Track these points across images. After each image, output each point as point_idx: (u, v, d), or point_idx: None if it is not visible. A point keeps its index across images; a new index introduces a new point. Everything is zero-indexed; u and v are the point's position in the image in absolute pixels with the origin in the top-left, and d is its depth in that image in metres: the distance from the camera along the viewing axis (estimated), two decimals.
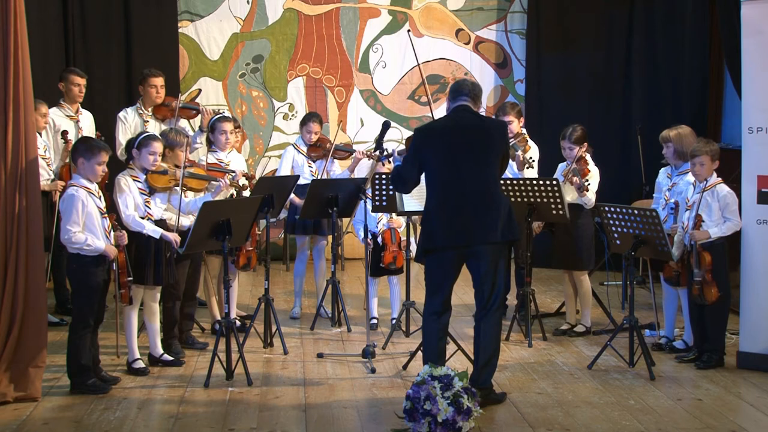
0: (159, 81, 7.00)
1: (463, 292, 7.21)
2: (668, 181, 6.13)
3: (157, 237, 5.46)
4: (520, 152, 6.70)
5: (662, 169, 6.27)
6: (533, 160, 6.71)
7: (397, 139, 9.31)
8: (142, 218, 5.46)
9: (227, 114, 6.98)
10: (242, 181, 6.32)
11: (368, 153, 7.03)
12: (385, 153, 6.04)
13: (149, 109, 7.01)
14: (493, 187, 4.97)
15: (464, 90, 5.06)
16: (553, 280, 8.31)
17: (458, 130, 4.98)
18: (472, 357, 5.17)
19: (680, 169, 6.05)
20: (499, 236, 4.91)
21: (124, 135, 6.86)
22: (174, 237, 5.50)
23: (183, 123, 7.07)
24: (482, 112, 9.35)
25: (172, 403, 5.03)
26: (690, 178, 5.92)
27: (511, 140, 6.80)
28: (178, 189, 5.67)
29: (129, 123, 6.96)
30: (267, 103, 9.44)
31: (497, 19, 9.57)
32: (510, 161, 6.78)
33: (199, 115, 6.94)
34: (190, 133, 6.94)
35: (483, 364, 4.96)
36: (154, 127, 6.85)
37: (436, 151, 4.96)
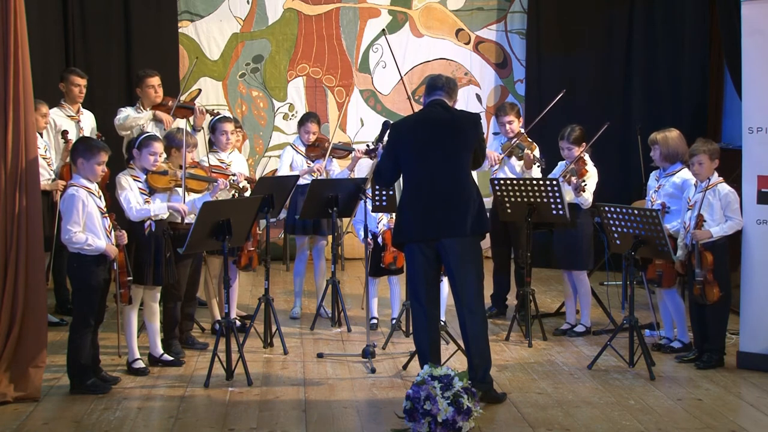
0: (155, 80, 7.00)
1: None
2: (656, 183, 6.13)
3: (165, 212, 5.48)
4: (527, 151, 6.70)
5: (652, 172, 6.27)
6: (543, 159, 6.72)
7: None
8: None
9: (227, 114, 6.97)
10: (245, 184, 6.32)
11: (367, 150, 7.02)
12: (371, 146, 6.03)
13: (148, 109, 7.01)
14: (464, 181, 5.00)
15: (438, 84, 5.11)
16: (553, 280, 8.31)
17: (429, 124, 5.04)
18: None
19: (667, 171, 6.06)
20: (468, 230, 4.93)
21: (125, 112, 6.87)
22: (182, 207, 5.52)
23: (180, 123, 7.05)
24: (482, 111, 9.45)
25: (172, 403, 5.03)
26: (677, 179, 5.95)
27: (514, 140, 6.83)
28: (178, 190, 5.67)
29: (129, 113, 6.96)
30: (267, 103, 9.44)
31: (497, 19, 9.58)
32: (515, 161, 6.82)
33: (193, 116, 6.94)
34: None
35: (477, 361, 4.97)
36: (152, 128, 6.84)
37: (408, 146, 5.04)
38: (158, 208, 5.46)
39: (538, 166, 6.72)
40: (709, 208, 5.65)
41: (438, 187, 4.95)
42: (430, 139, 4.99)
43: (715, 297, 5.55)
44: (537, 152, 6.81)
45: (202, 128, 6.82)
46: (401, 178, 5.21)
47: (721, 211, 5.63)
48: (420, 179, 5.00)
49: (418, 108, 5.52)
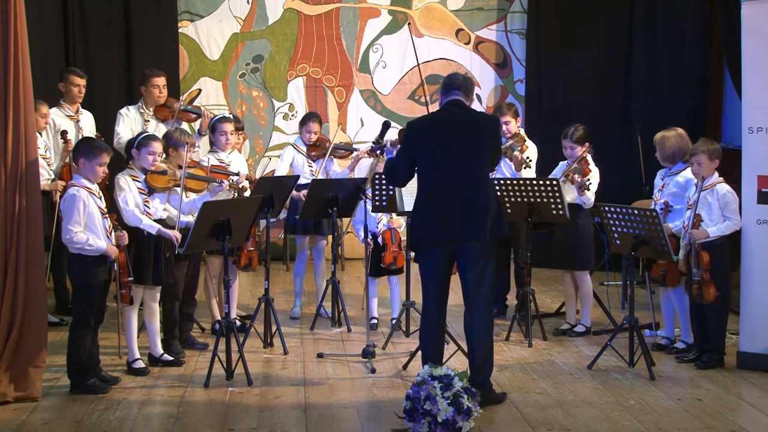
0: (161, 81, 7.01)
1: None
2: (661, 182, 6.13)
3: (154, 233, 5.44)
4: (517, 152, 6.70)
5: (659, 170, 6.28)
6: (530, 160, 6.71)
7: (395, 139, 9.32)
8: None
9: (228, 115, 6.97)
10: (245, 183, 6.32)
11: (370, 151, 7.00)
12: (377, 143, 5.99)
13: (150, 109, 7.02)
14: (483, 184, 4.96)
15: (456, 84, 5.03)
16: (553, 280, 8.31)
17: (449, 126, 4.96)
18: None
19: (672, 170, 6.06)
20: (488, 233, 4.91)
21: (123, 126, 6.89)
22: (173, 234, 5.50)
23: (183, 126, 7.06)
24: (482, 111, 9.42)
25: (172, 403, 5.03)
26: (680, 178, 5.95)
27: (508, 140, 6.82)
28: (177, 189, 5.67)
29: (130, 119, 6.97)
30: (267, 103, 9.44)
31: (497, 19, 9.58)
32: (508, 161, 6.82)
33: (200, 119, 6.96)
34: None
35: (479, 365, 4.95)
36: (155, 127, 6.86)
37: (427, 147, 4.96)
38: (149, 225, 5.42)
39: (525, 167, 6.69)
40: (707, 208, 5.65)
41: (458, 191, 4.89)
42: (450, 142, 4.91)
43: (711, 297, 5.55)
44: (530, 153, 6.76)
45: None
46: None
47: (720, 211, 5.63)
48: (439, 182, 4.92)
49: (422, 102, 5.47)
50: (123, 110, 7.06)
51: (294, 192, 6.61)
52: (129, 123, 6.94)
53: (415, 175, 5.09)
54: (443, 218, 4.90)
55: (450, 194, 4.89)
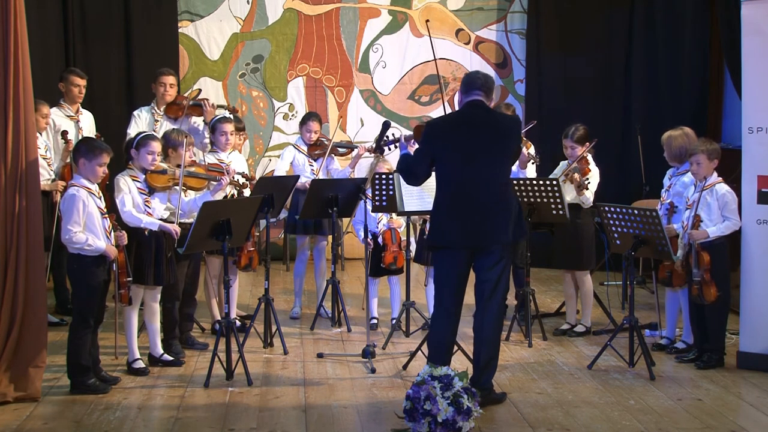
0: (168, 79, 7.02)
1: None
2: (668, 182, 6.14)
3: (156, 229, 5.44)
4: (522, 149, 6.70)
5: (668, 170, 6.27)
6: (537, 157, 6.72)
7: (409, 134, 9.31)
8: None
9: (229, 113, 6.96)
10: (241, 179, 6.32)
11: (371, 148, 6.99)
12: (392, 138, 5.96)
13: (161, 109, 7.02)
14: (505, 187, 4.94)
15: (477, 84, 4.96)
16: (553, 280, 8.31)
17: (471, 127, 4.91)
18: (472, 357, 5.15)
19: (679, 170, 6.06)
20: (510, 236, 4.91)
21: (135, 128, 6.91)
22: (173, 227, 5.50)
23: (195, 120, 7.05)
24: None
25: (172, 403, 5.03)
26: (686, 178, 5.94)
27: None
28: (177, 188, 5.67)
29: (141, 120, 6.98)
30: (267, 103, 9.44)
31: (497, 19, 9.58)
32: None
33: (204, 110, 6.95)
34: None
35: (484, 366, 4.94)
36: (165, 127, 6.83)
37: (448, 148, 4.91)
38: (149, 222, 5.44)
39: (533, 163, 6.70)
40: (707, 208, 5.65)
41: (482, 194, 4.85)
42: (473, 143, 4.86)
43: (712, 297, 5.55)
44: (532, 150, 6.79)
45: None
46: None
47: (719, 211, 5.63)
48: (462, 184, 4.87)
49: (435, 111, 5.45)
50: (136, 112, 7.08)
51: (299, 183, 6.61)
52: (141, 124, 6.95)
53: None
54: (465, 222, 4.86)
55: (474, 197, 4.85)
